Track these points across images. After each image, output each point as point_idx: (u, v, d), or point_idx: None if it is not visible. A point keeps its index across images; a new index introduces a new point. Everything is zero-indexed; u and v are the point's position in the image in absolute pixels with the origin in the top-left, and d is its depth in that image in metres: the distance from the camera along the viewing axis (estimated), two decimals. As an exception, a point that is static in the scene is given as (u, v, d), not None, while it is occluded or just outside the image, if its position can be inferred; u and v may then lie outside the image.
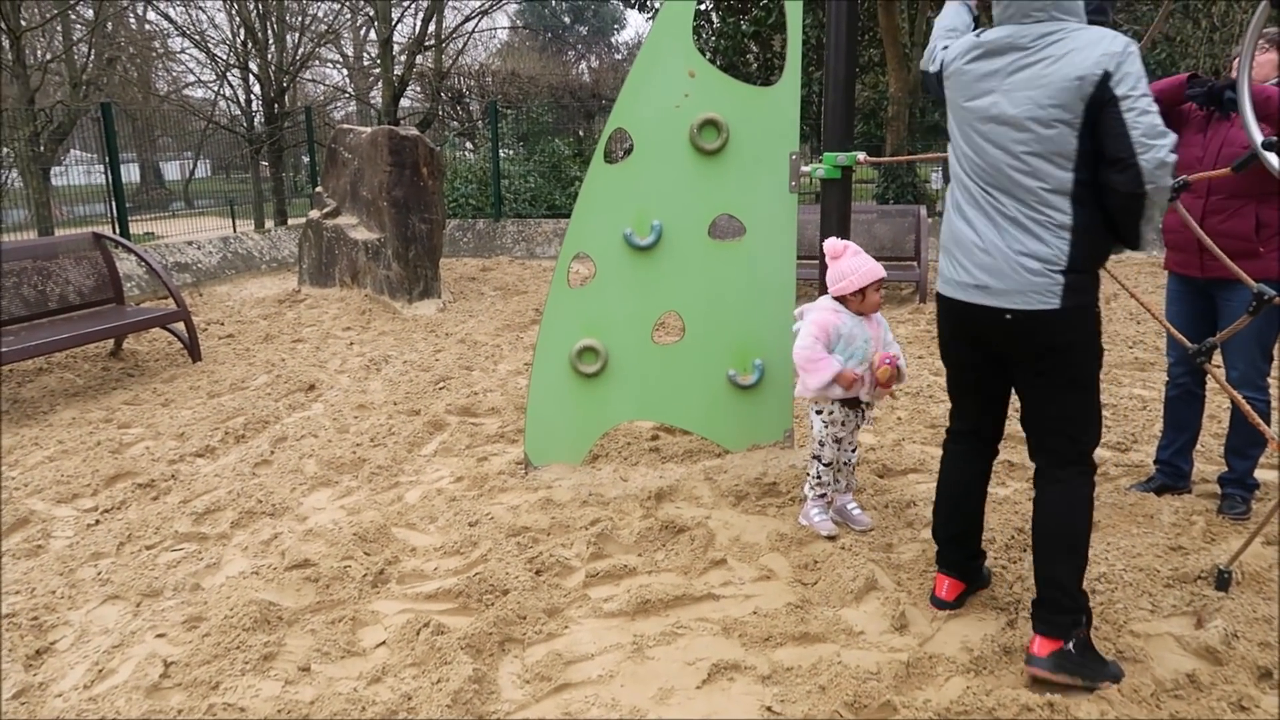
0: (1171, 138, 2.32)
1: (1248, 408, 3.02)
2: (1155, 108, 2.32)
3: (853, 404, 3.47)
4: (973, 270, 2.59)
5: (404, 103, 19.64)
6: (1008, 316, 2.53)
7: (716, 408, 4.20)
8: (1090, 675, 2.52)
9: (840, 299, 3.36)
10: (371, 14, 19.30)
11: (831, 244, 3.40)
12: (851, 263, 3.31)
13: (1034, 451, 2.71)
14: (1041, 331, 2.52)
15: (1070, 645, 2.54)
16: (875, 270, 3.30)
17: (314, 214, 9.11)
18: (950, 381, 2.93)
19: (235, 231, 13.72)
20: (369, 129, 8.69)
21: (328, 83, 24.24)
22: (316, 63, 21.97)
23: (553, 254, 12.03)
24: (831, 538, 3.42)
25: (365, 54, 25.39)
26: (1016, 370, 2.66)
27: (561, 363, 4.12)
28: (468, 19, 19.42)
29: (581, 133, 19.47)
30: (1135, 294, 3.25)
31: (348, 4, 20.09)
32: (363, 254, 8.49)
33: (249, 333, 7.52)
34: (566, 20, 42.23)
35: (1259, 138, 2.74)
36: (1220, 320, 3.54)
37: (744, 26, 14.03)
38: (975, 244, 2.59)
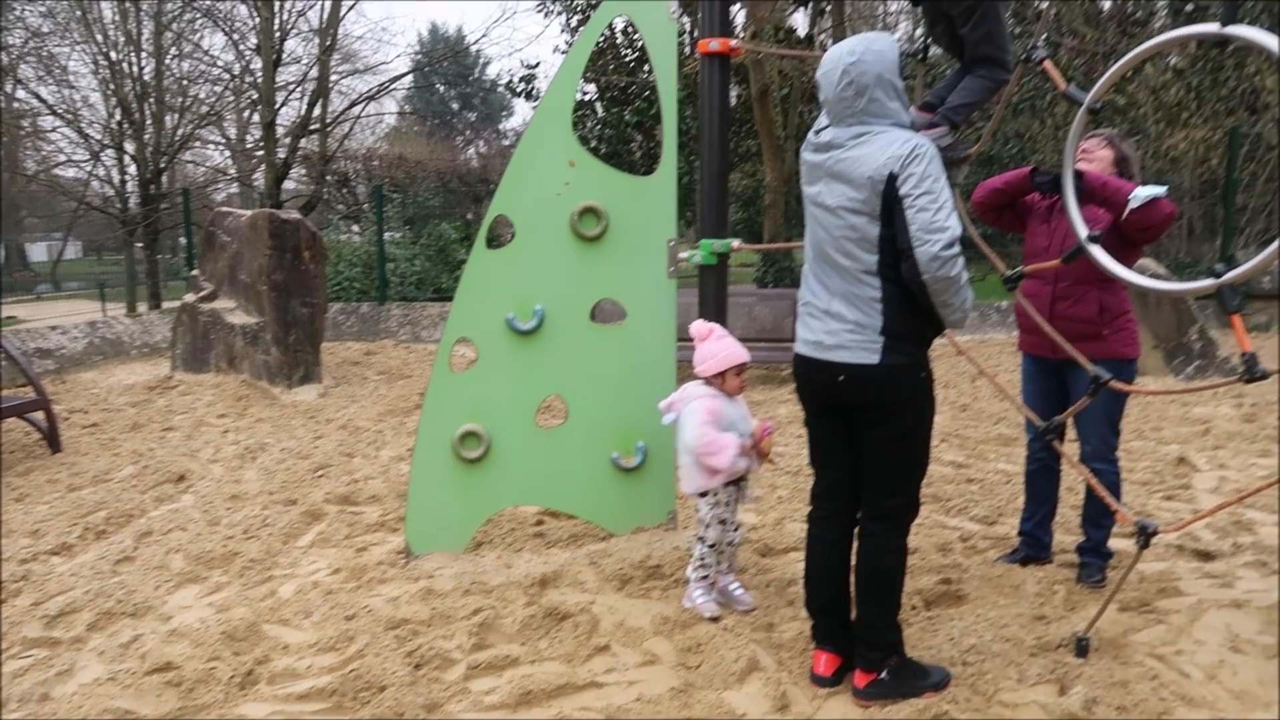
0: (949, 233, 2.60)
1: (1096, 483, 3.23)
2: (936, 205, 2.60)
3: (735, 482, 3.54)
4: (815, 330, 2.90)
5: (288, 184, 19.41)
6: (840, 378, 2.83)
7: (600, 491, 4.21)
8: (908, 691, 2.89)
9: (707, 381, 3.46)
10: (255, 97, 19.13)
11: (697, 327, 3.52)
12: (713, 346, 3.43)
13: (863, 506, 3.01)
14: (867, 386, 2.81)
15: (884, 675, 2.91)
16: (735, 355, 3.41)
17: (189, 297, 8.84)
18: (809, 443, 3.15)
19: (105, 315, 13.16)
20: (249, 212, 8.55)
21: (208, 164, 23.73)
22: (197, 144, 21.52)
23: (439, 337, 11.89)
24: (715, 619, 3.44)
25: (249, 136, 25.04)
26: (854, 425, 2.93)
27: (443, 449, 4.07)
28: (354, 104, 19.42)
29: (470, 216, 19.54)
30: (990, 376, 3.45)
31: (230, 86, 19.86)
32: (240, 338, 8.25)
33: (115, 421, 7.17)
34: (454, 106, 42.69)
35: (1084, 231, 2.99)
36: (1072, 398, 3.76)
37: (627, 117, 14.50)
38: (816, 307, 2.91)
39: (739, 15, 14.26)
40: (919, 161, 2.63)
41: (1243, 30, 2.59)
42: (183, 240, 17.52)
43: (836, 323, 2.82)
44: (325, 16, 17.28)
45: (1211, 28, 2.67)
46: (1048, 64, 3.23)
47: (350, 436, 6.61)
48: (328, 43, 17.33)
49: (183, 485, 5.48)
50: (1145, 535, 2.92)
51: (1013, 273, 3.43)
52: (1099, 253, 3.07)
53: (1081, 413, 3.50)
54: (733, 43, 3.96)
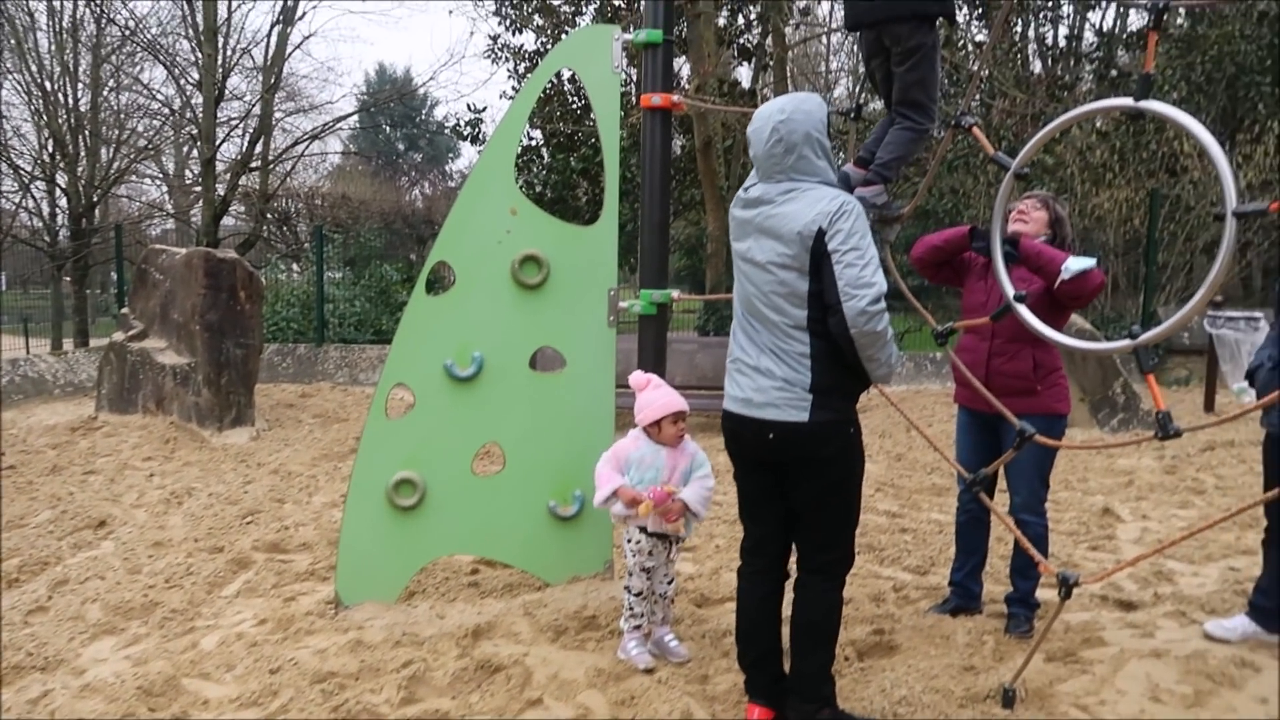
0: (876, 288, 2.67)
1: (1020, 534, 3.30)
2: (863, 261, 2.67)
3: (660, 535, 3.53)
4: (744, 386, 2.92)
5: (228, 221, 19.12)
6: (770, 436, 2.84)
7: (537, 540, 4.18)
8: None
9: (645, 429, 3.48)
10: (195, 132, 18.89)
11: (635, 377, 3.55)
12: (649, 396, 3.45)
13: (798, 560, 3.03)
14: (796, 444, 2.83)
15: None
16: (670, 404, 3.43)
17: (118, 336, 8.62)
18: (739, 498, 3.17)
19: (28, 353, 12.75)
20: (183, 250, 8.40)
21: (143, 199, 23.26)
22: (133, 178, 21.12)
23: (377, 380, 11.73)
24: (649, 671, 3.41)
25: (188, 170, 24.66)
26: (785, 482, 2.94)
27: (377, 496, 4.01)
28: (298, 142, 19.28)
29: (413, 257, 19.42)
30: (920, 429, 3.52)
31: (170, 121, 19.59)
32: (170, 379, 8.05)
33: (34, 464, 6.91)
34: (400, 147, 42.58)
35: (1011, 291, 3.09)
36: (1004, 450, 3.84)
37: (573, 164, 14.62)
38: (745, 364, 2.93)
39: (684, 68, 14.55)
40: (846, 218, 2.70)
41: (1154, 105, 2.74)
42: (114, 275, 17.11)
43: (765, 379, 2.85)
44: (270, 55, 17.18)
45: (1126, 101, 2.80)
46: (975, 129, 3.35)
47: (282, 481, 6.47)
48: (271, 80, 17.20)
49: (103, 531, 5.30)
50: (1066, 586, 2.98)
51: (944, 328, 3.53)
52: (1025, 312, 3.17)
53: (1012, 465, 3.58)
54: (675, 98, 4.04)
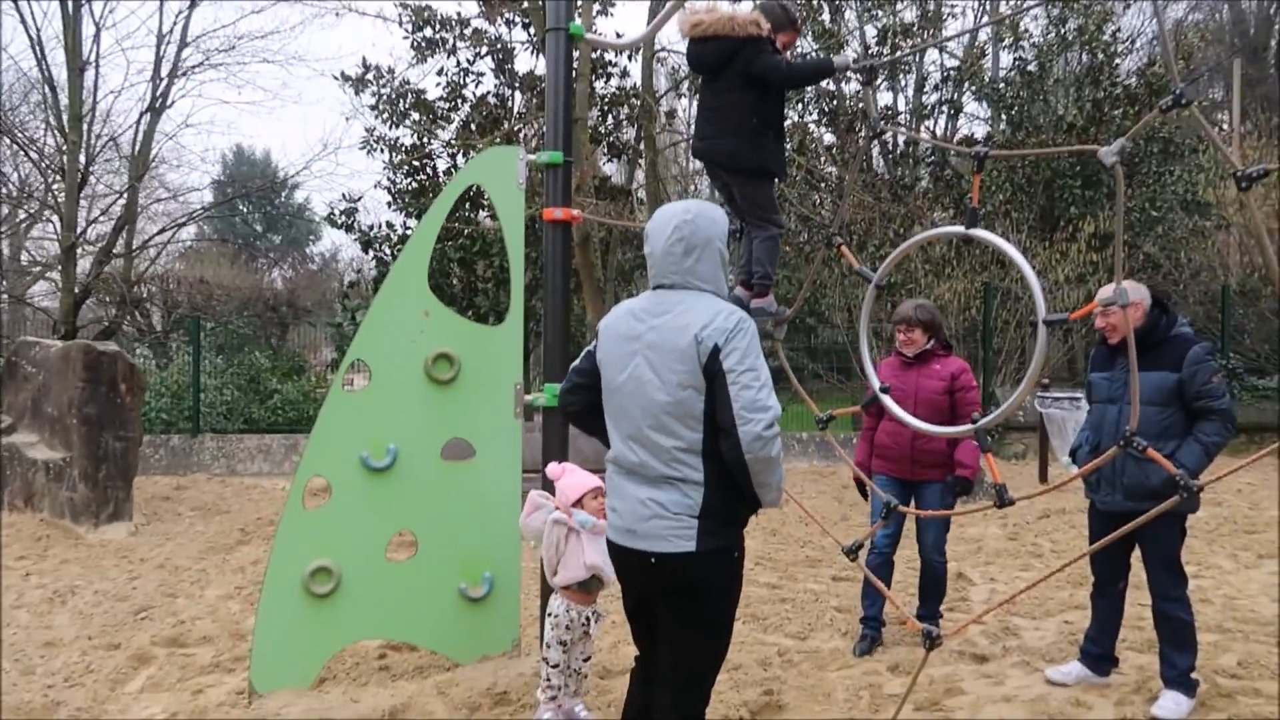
0: (771, 412, 2.55)
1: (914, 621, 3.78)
2: (759, 382, 2.56)
3: (578, 609, 3.80)
4: (625, 516, 2.74)
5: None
6: (652, 560, 2.68)
7: (448, 621, 4.40)
8: None
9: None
10: (35, 209, 18.26)
11: (550, 469, 3.88)
12: (566, 480, 3.78)
13: (657, 688, 2.83)
14: (679, 573, 2.67)
15: None
16: (586, 481, 3.77)
17: (-19, 431, 8.31)
18: (628, 618, 3.04)
19: None
20: (59, 343, 8.24)
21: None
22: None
23: (255, 470, 11.61)
24: (561, 740, 3.66)
25: (25, 252, 23.52)
26: (656, 610, 2.82)
27: (294, 584, 4.16)
28: (163, 230, 18.85)
29: (275, 341, 19.03)
30: (799, 502, 3.99)
31: (13, 201, 18.83)
32: (42, 474, 7.82)
33: (-108, 567, 6.59)
34: (258, 229, 41.65)
35: (877, 384, 3.64)
36: (920, 507, 4.73)
37: (450, 252, 14.92)
38: (625, 491, 2.75)
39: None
40: (743, 336, 2.60)
41: (979, 233, 3.38)
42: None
43: (645, 509, 2.67)
44: (138, 144, 16.88)
45: (959, 229, 3.42)
46: (844, 248, 3.93)
47: (171, 576, 6.40)
48: (140, 171, 16.89)
49: (-14, 634, 5.16)
50: (930, 640, 3.45)
51: (825, 415, 4.05)
52: (889, 401, 3.74)
53: (926, 519, 4.56)
54: (575, 211, 4.49)
